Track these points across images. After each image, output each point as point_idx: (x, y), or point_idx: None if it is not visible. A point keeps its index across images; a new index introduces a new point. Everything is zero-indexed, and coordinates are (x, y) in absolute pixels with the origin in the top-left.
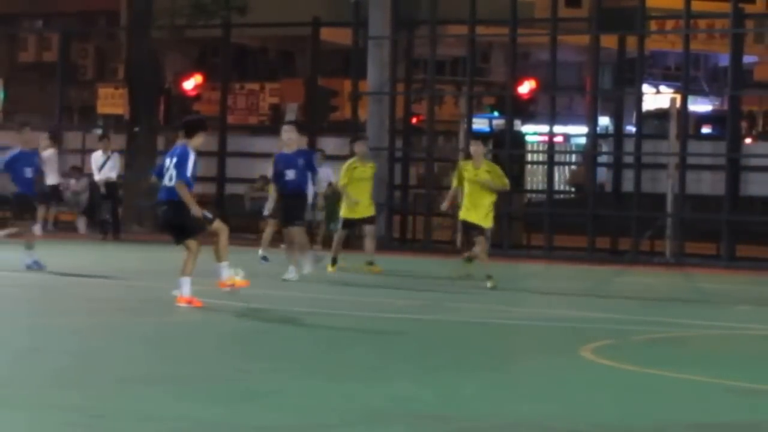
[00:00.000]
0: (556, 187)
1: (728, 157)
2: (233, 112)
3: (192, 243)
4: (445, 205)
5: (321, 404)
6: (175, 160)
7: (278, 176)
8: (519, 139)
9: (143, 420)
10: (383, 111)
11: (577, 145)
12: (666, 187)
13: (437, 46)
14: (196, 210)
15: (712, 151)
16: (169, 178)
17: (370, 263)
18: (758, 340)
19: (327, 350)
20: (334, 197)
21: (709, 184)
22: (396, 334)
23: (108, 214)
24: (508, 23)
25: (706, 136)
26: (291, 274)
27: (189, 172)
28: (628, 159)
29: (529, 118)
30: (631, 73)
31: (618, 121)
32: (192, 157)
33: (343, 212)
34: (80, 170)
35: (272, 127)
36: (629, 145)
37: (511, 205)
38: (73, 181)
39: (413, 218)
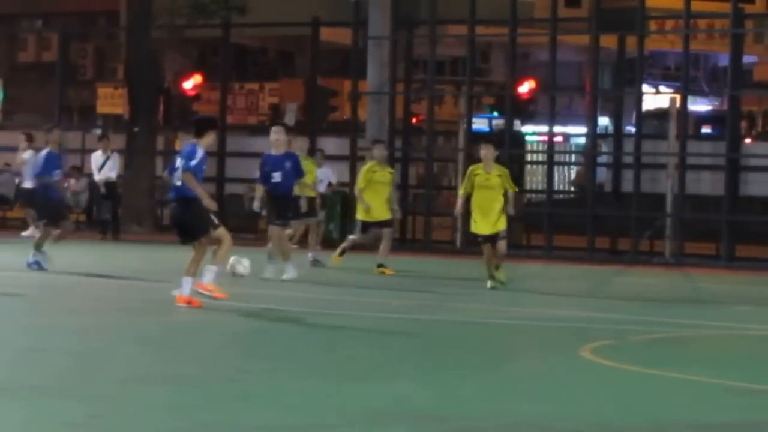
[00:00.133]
0: (556, 187)
1: (728, 157)
2: (233, 112)
3: (198, 245)
4: (458, 210)
5: (320, 404)
6: (184, 158)
7: (265, 178)
8: (519, 139)
9: (143, 420)
10: (383, 111)
11: (577, 145)
12: (665, 187)
13: (437, 46)
14: (208, 202)
15: (712, 151)
16: (178, 178)
17: (381, 265)
18: (758, 340)
19: (326, 350)
20: (334, 198)
21: (708, 184)
22: (396, 334)
23: (108, 214)
24: (508, 23)
25: (706, 136)
26: (290, 273)
27: (194, 163)
28: (628, 159)
29: (529, 118)
30: (631, 73)
31: (617, 121)
32: (200, 153)
33: (360, 215)
34: (80, 170)
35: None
36: (629, 145)
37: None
38: (72, 181)
39: (413, 218)
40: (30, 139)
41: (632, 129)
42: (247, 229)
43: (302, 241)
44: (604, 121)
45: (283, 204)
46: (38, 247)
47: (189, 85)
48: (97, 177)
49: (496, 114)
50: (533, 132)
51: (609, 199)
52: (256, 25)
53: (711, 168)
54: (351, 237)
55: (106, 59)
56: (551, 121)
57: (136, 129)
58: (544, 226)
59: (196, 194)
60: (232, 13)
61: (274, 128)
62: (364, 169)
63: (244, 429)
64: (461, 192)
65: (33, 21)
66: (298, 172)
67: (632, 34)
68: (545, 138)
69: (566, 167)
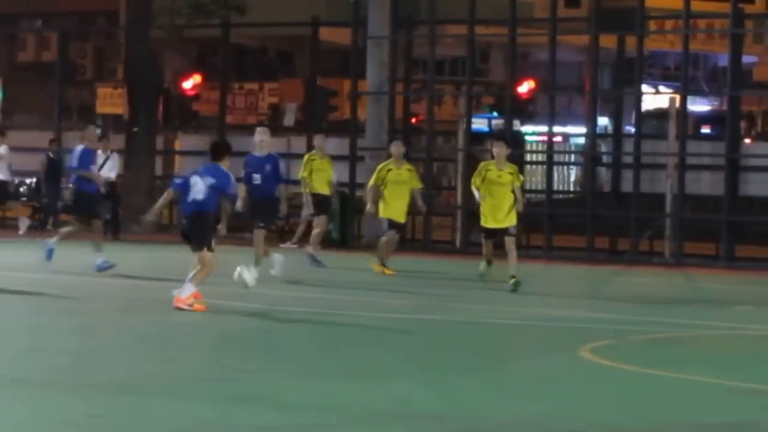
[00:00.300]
0: (556, 187)
1: (727, 157)
2: (232, 112)
3: (206, 256)
4: (479, 198)
5: (320, 404)
6: (212, 180)
7: (248, 178)
8: (518, 139)
9: (142, 419)
10: (382, 111)
11: (577, 145)
12: (665, 187)
13: (436, 46)
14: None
15: (712, 151)
16: (198, 192)
17: (383, 264)
18: (757, 340)
19: (326, 350)
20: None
21: (708, 184)
22: (395, 334)
23: (107, 214)
24: (508, 23)
25: (706, 137)
26: (277, 268)
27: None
28: (628, 159)
29: (529, 118)
30: (631, 73)
31: (617, 122)
32: (232, 177)
33: (384, 212)
34: None
35: (271, 127)
36: (628, 145)
37: None
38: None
39: (412, 218)
40: (2, 134)
41: (632, 129)
42: (244, 229)
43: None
44: (603, 121)
45: (263, 206)
46: (98, 248)
47: (188, 84)
48: None
49: (495, 114)
50: (533, 132)
51: (609, 199)
52: (255, 25)
53: (710, 168)
54: (382, 239)
55: (105, 59)
56: (551, 121)
57: (135, 129)
58: (544, 226)
59: (211, 209)
60: (232, 12)
61: (258, 129)
62: (378, 168)
63: (243, 429)
64: (475, 185)
65: (32, 21)
66: (278, 175)
67: (632, 34)
68: (545, 138)
69: (566, 167)
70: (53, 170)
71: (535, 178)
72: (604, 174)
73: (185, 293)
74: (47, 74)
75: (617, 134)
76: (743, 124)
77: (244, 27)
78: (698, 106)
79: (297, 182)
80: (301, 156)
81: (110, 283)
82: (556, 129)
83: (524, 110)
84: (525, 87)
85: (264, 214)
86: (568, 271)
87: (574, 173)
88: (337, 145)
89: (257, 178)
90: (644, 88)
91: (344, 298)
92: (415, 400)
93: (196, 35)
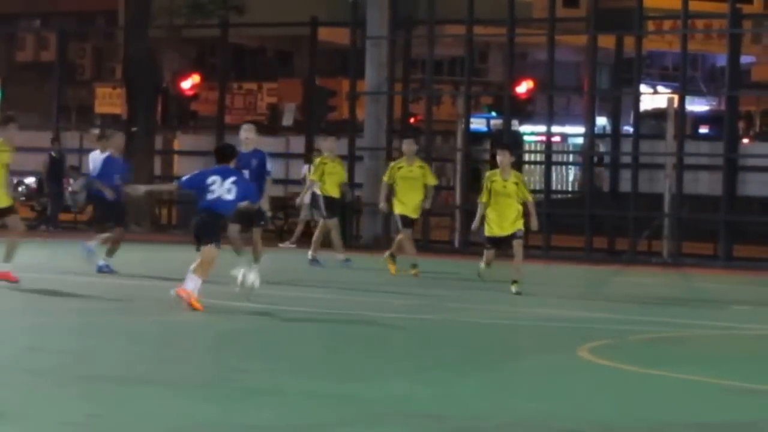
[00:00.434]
0: (554, 187)
1: (725, 157)
2: (231, 112)
3: (213, 251)
4: (475, 225)
5: (319, 404)
6: (234, 178)
7: None
8: (517, 139)
9: (140, 419)
10: (381, 111)
11: (575, 145)
12: (663, 187)
13: (435, 46)
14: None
15: (710, 151)
16: (227, 191)
17: (393, 260)
18: (756, 339)
19: (325, 350)
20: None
21: (706, 184)
22: (394, 333)
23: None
24: (506, 23)
25: (704, 137)
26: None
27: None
28: (626, 159)
29: (527, 118)
30: (629, 73)
31: (615, 122)
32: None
33: (399, 208)
34: (78, 170)
35: (270, 127)
36: (627, 145)
37: None
38: (71, 181)
39: None
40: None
41: (630, 129)
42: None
43: (301, 240)
44: (602, 121)
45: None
46: (110, 252)
47: (187, 84)
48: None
49: (494, 114)
50: (531, 132)
51: (607, 199)
52: (254, 25)
53: (709, 168)
54: (406, 246)
55: (104, 59)
56: (549, 121)
57: (134, 129)
58: (542, 226)
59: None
60: (231, 12)
61: (244, 126)
62: (390, 165)
63: (241, 428)
64: (482, 200)
65: (31, 20)
66: (264, 171)
67: (630, 34)
68: (543, 138)
69: (564, 167)
70: (55, 170)
71: (534, 178)
72: (604, 174)
73: (190, 285)
74: (46, 74)
75: (615, 134)
76: (741, 124)
77: (242, 27)
78: (696, 106)
79: (296, 182)
80: (300, 156)
81: (109, 282)
82: (555, 129)
83: (523, 110)
84: (523, 87)
85: (257, 212)
86: (567, 271)
87: (572, 173)
88: (336, 145)
89: (244, 174)
90: (642, 88)
91: (343, 297)
92: (415, 400)
93: (195, 35)
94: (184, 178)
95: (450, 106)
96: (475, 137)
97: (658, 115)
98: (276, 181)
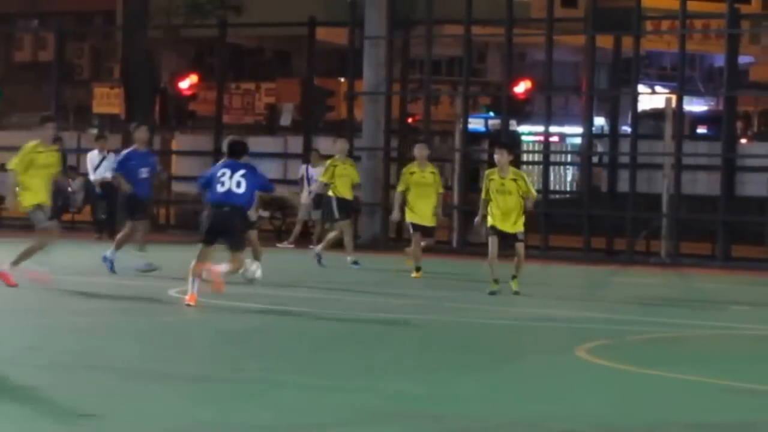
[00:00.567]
0: (552, 187)
1: (724, 157)
2: (229, 112)
3: (242, 256)
4: (477, 221)
5: (318, 404)
6: (243, 171)
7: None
8: (515, 139)
9: (139, 419)
10: (379, 111)
11: (573, 145)
12: (661, 187)
13: (433, 46)
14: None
15: (708, 151)
16: (236, 185)
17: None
18: (754, 340)
19: (324, 350)
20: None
21: (704, 184)
22: (393, 333)
23: (103, 214)
24: (504, 23)
25: (702, 137)
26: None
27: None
28: (624, 159)
29: (525, 118)
30: (627, 74)
31: (613, 122)
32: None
33: (409, 216)
34: (76, 170)
35: (268, 127)
36: (625, 146)
37: None
38: (70, 181)
39: None
40: None
41: (628, 129)
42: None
43: (299, 241)
44: (600, 121)
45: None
46: (141, 249)
47: (185, 84)
48: (93, 177)
49: (492, 114)
50: (529, 132)
51: (605, 200)
52: (252, 25)
53: (707, 168)
54: (413, 250)
55: (102, 59)
56: (547, 121)
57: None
58: (540, 226)
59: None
60: (229, 12)
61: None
62: (403, 171)
63: (240, 428)
64: (483, 197)
65: (29, 20)
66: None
67: (628, 34)
68: (541, 138)
69: (562, 167)
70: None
71: (532, 178)
72: (602, 174)
73: (221, 269)
74: (44, 74)
75: (614, 134)
76: (739, 125)
77: (240, 27)
78: (695, 106)
79: (294, 182)
80: (298, 156)
81: (106, 282)
82: (553, 129)
83: (521, 110)
84: (522, 87)
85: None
86: (565, 271)
87: (570, 173)
88: (334, 145)
89: None
90: (641, 88)
91: (342, 297)
92: (414, 400)
93: (193, 35)
94: (200, 181)
95: (448, 107)
96: (473, 137)
97: (656, 115)
98: (273, 181)
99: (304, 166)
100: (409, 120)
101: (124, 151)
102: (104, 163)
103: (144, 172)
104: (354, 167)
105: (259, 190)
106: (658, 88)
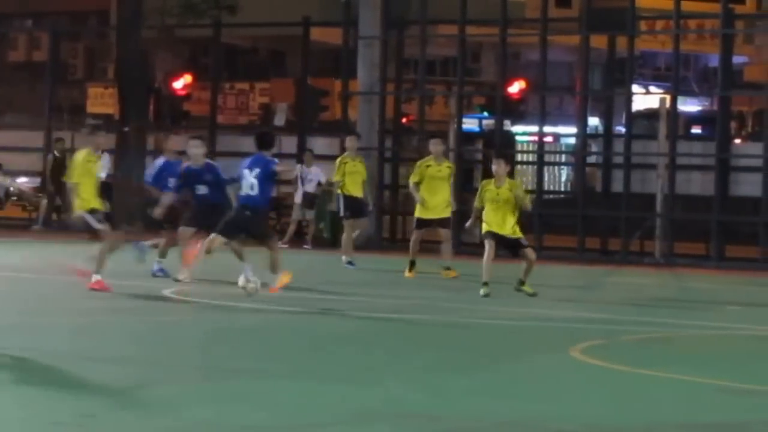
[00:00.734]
0: (546, 188)
1: (718, 157)
2: (223, 112)
3: (272, 242)
4: (469, 224)
5: (311, 404)
6: (258, 170)
7: (187, 188)
8: (509, 139)
9: (133, 420)
10: (373, 111)
11: (567, 146)
12: (656, 187)
13: (427, 46)
14: None
15: (702, 151)
16: (250, 187)
17: (448, 268)
18: (748, 340)
19: (318, 350)
20: (324, 197)
21: (698, 184)
22: (386, 333)
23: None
24: (499, 23)
25: (696, 137)
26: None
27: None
28: (618, 159)
29: (519, 118)
30: (621, 74)
31: (608, 122)
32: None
33: (417, 212)
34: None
35: (262, 127)
36: (619, 146)
37: None
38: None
39: (403, 218)
40: None
41: (622, 129)
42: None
43: (293, 241)
44: (594, 121)
45: (212, 212)
46: (162, 254)
47: (179, 84)
48: None
49: (486, 114)
50: (524, 132)
51: (599, 200)
52: (246, 25)
53: (701, 168)
54: (411, 245)
55: (96, 59)
56: (541, 121)
57: (126, 129)
58: (534, 227)
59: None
60: (223, 12)
61: (192, 142)
62: (417, 164)
63: (233, 429)
64: (476, 206)
65: (23, 20)
66: (221, 182)
67: (623, 34)
68: (535, 138)
69: (556, 167)
70: (59, 170)
71: (526, 178)
72: (597, 174)
73: (276, 283)
74: (38, 74)
75: (608, 134)
76: (734, 125)
77: (235, 27)
78: (689, 106)
79: (287, 182)
80: (292, 156)
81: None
82: (547, 129)
83: (515, 110)
84: (516, 87)
85: (212, 218)
86: (559, 271)
87: (565, 173)
88: (328, 145)
89: (201, 188)
90: (635, 88)
91: (337, 297)
92: (407, 400)
93: (187, 35)
94: (231, 177)
95: (442, 107)
96: (467, 137)
97: (650, 115)
98: None
99: (298, 166)
100: (404, 120)
101: (157, 163)
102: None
103: (173, 182)
104: (364, 164)
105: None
106: (652, 88)
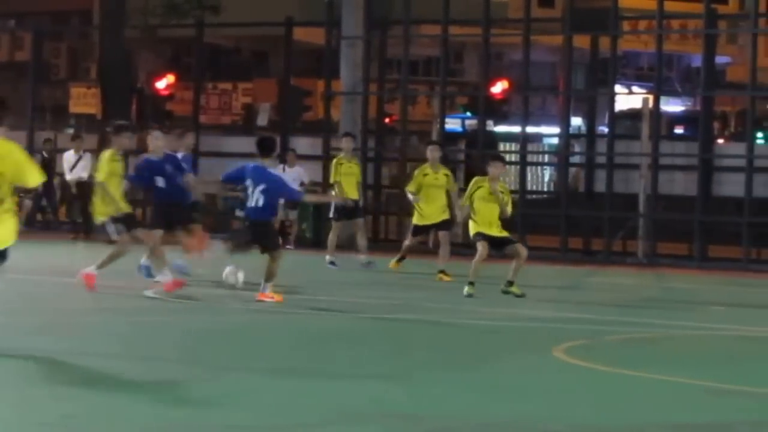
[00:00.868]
0: (529, 188)
1: (701, 157)
2: (206, 112)
3: (276, 254)
4: (460, 220)
5: (295, 404)
6: (264, 186)
7: (146, 183)
8: (491, 139)
9: (115, 420)
10: (356, 111)
11: (550, 146)
12: (638, 187)
13: (410, 46)
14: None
15: (685, 151)
16: (256, 201)
17: (442, 271)
18: (731, 340)
19: (302, 350)
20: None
21: (681, 184)
22: (370, 333)
23: (79, 215)
24: (482, 23)
25: (679, 137)
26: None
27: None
28: (601, 159)
29: (502, 118)
30: (604, 74)
31: (591, 122)
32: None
33: (414, 219)
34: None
35: (245, 127)
36: (602, 146)
37: None
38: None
39: (386, 218)
40: None
41: (605, 129)
42: (219, 229)
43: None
44: (577, 121)
45: (170, 210)
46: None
47: (162, 84)
48: (69, 177)
49: (469, 114)
50: (506, 132)
51: (582, 200)
52: (229, 25)
53: (684, 168)
54: (405, 243)
55: (79, 59)
56: (524, 121)
57: (108, 129)
58: (518, 227)
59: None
60: (206, 12)
61: (154, 133)
62: (416, 172)
63: (216, 429)
64: (465, 203)
65: (6, 20)
66: (181, 171)
67: (605, 34)
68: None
69: (539, 167)
70: (46, 170)
71: (509, 179)
72: (580, 174)
73: (267, 290)
74: (21, 74)
75: (591, 134)
76: (716, 125)
77: (218, 27)
78: (672, 106)
79: None
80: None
81: (82, 283)
82: (530, 129)
83: (498, 110)
84: (499, 87)
85: (177, 216)
86: (542, 272)
87: (548, 173)
88: (311, 145)
89: (159, 181)
90: (618, 88)
91: (319, 298)
92: (391, 400)
93: (170, 35)
94: (224, 174)
95: (425, 107)
96: (450, 137)
97: (633, 115)
98: None
99: (281, 166)
100: (387, 120)
101: (178, 156)
102: (80, 163)
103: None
104: (359, 166)
105: (287, 199)
106: (635, 89)
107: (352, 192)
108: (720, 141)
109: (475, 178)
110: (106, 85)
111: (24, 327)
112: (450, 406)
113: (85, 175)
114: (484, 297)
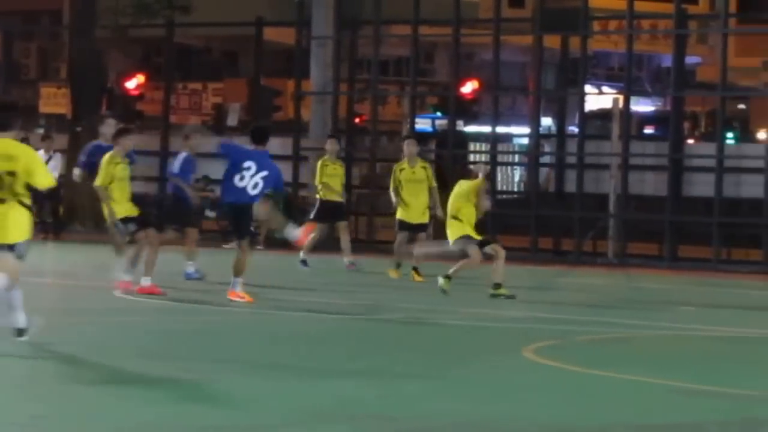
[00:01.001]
0: (499, 188)
1: (671, 157)
2: (176, 112)
3: (248, 244)
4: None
5: (265, 404)
6: (266, 173)
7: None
8: (461, 139)
9: (87, 421)
10: (326, 111)
11: (520, 146)
12: (609, 187)
13: (381, 46)
14: None
15: (655, 151)
16: (253, 186)
17: (415, 269)
18: (701, 340)
19: (271, 350)
20: (278, 197)
21: (651, 184)
22: (342, 334)
23: (49, 215)
24: (452, 23)
25: (649, 137)
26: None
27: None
28: (571, 159)
29: (473, 118)
30: (574, 74)
31: (561, 122)
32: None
33: (399, 213)
34: None
35: (215, 127)
36: (572, 146)
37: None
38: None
39: (356, 218)
40: None
41: (575, 129)
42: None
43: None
44: (547, 121)
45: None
46: (190, 257)
47: (132, 84)
48: None
49: (439, 114)
50: (476, 132)
51: (552, 200)
52: (199, 25)
53: (654, 168)
54: (395, 247)
55: (49, 58)
56: (494, 121)
57: (78, 129)
58: (488, 227)
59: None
60: (176, 12)
61: (107, 121)
62: (394, 168)
63: (188, 429)
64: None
65: None
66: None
67: (576, 34)
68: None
69: (509, 168)
70: None
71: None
72: (550, 174)
73: (237, 288)
74: None
75: (561, 134)
76: (687, 125)
77: (188, 27)
78: (642, 106)
79: None
80: None
81: (53, 284)
82: (500, 129)
83: (468, 110)
84: (469, 87)
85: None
86: (512, 272)
87: (518, 173)
88: (281, 145)
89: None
90: (588, 88)
91: (292, 298)
92: (361, 401)
93: (141, 35)
94: (223, 142)
95: (395, 107)
96: (420, 137)
97: (603, 115)
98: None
99: None
100: (357, 120)
101: (182, 155)
102: (50, 164)
103: (191, 179)
104: (343, 168)
105: (275, 192)
106: (605, 89)
107: (338, 194)
108: (690, 141)
109: (460, 181)
110: (76, 85)
111: None
112: (420, 406)
113: (55, 174)
114: (454, 297)
